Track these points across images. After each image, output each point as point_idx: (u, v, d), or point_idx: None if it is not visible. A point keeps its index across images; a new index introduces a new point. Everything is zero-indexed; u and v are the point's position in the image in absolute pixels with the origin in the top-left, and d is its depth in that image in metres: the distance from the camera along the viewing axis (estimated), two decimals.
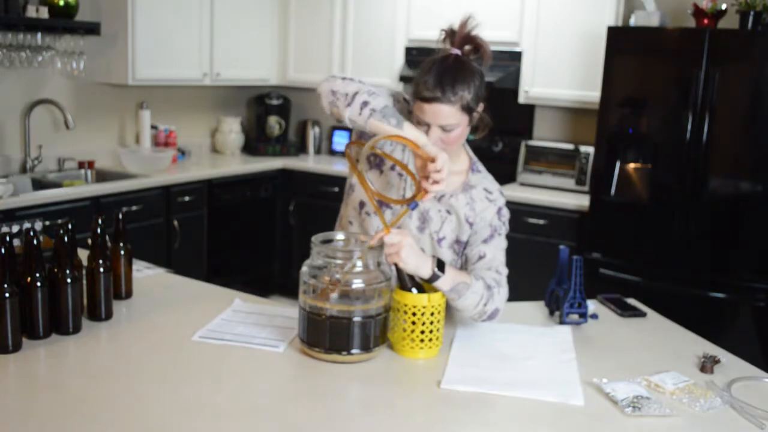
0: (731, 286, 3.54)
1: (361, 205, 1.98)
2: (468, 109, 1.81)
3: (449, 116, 1.78)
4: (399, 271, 1.72)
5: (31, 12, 3.73)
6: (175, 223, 4.15)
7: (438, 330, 1.72)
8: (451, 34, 1.87)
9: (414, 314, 1.68)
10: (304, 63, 5.07)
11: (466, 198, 1.92)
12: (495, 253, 1.89)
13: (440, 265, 1.73)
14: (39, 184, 3.89)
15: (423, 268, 1.71)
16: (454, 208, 1.91)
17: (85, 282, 1.82)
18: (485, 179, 1.97)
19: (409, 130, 1.75)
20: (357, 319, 1.63)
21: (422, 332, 1.69)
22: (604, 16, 4.11)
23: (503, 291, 1.85)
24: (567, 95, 4.31)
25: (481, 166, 2.00)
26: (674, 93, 3.62)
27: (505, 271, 1.89)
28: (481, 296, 1.79)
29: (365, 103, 1.76)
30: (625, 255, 3.80)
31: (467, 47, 1.86)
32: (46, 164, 4.09)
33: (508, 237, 1.97)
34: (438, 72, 1.78)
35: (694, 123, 3.55)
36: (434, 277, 1.72)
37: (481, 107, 1.87)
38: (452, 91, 1.77)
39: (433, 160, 1.69)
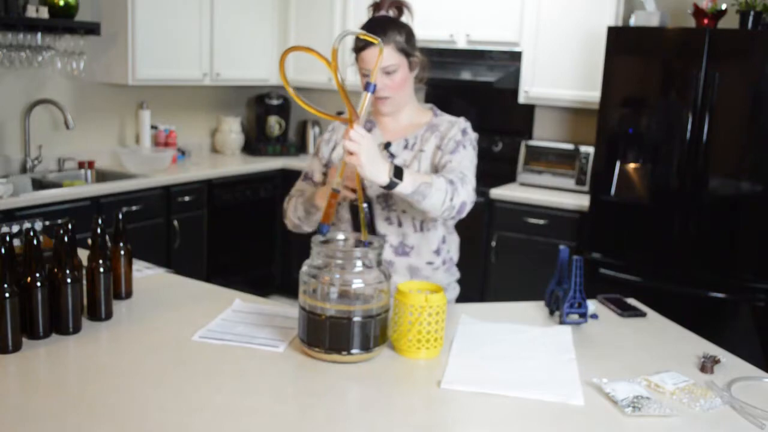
0: (731, 286, 3.53)
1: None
2: (404, 52, 1.99)
3: (387, 57, 1.95)
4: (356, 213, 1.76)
5: (31, 12, 3.73)
6: (175, 223, 4.15)
7: (439, 330, 1.71)
8: (376, 6, 2.07)
9: (413, 314, 1.68)
10: (304, 63, 5.07)
11: (433, 134, 2.06)
12: (461, 161, 1.99)
13: (398, 172, 1.75)
14: (39, 184, 3.89)
15: (380, 175, 1.72)
16: (426, 145, 2.05)
17: (85, 282, 1.82)
18: (449, 116, 2.13)
19: None
20: (357, 319, 1.63)
21: (425, 332, 1.69)
22: (604, 16, 4.12)
23: (469, 187, 1.91)
24: (567, 95, 4.31)
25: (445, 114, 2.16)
26: (674, 93, 3.62)
27: (471, 175, 1.97)
28: (445, 191, 1.83)
29: None
30: (625, 255, 3.80)
31: (393, 11, 2.07)
32: (46, 164, 4.09)
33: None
34: (369, 23, 2.02)
35: (694, 123, 3.55)
36: (392, 184, 1.74)
37: (418, 56, 2.04)
38: (384, 33, 1.95)
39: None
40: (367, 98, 1.75)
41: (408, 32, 2.03)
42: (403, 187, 1.76)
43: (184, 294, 2.11)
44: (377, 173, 1.72)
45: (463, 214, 1.94)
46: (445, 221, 2.10)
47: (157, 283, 2.18)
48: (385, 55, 1.93)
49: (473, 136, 2.09)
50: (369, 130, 2.06)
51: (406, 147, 2.06)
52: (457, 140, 2.04)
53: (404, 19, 2.07)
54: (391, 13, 2.05)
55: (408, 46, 2.01)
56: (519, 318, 2.03)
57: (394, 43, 1.97)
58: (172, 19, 4.34)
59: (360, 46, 1.98)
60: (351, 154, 1.67)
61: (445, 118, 2.11)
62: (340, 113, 2.18)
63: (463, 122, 2.10)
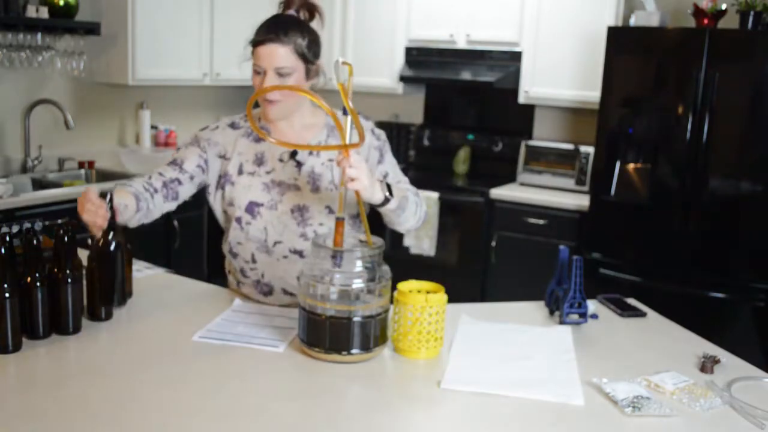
0: (731, 286, 3.54)
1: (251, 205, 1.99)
2: (303, 57, 1.89)
3: (283, 58, 1.85)
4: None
5: (31, 12, 3.73)
6: (175, 223, 4.15)
7: (439, 330, 1.72)
8: (286, 4, 1.96)
9: (415, 314, 1.68)
10: None
11: (336, 138, 1.98)
12: (394, 169, 2.04)
13: (388, 189, 1.82)
14: (39, 184, 3.89)
15: (377, 193, 1.78)
16: (333, 153, 1.97)
17: (85, 282, 1.81)
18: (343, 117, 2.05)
19: None
20: (357, 319, 1.63)
21: (425, 332, 1.69)
22: (604, 16, 4.12)
23: (420, 196, 2.02)
24: (567, 95, 4.31)
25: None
26: (674, 93, 3.62)
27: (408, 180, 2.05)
28: (416, 203, 1.95)
29: None
30: (625, 255, 3.80)
31: (304, 12, 1.97)
32: (46, 164, 4.09)
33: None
34: (272, 20, 1.90)
35: (694, 123, 3.55)
36: (386, 200, 1.80)
37: (318, 65, 1.95)
38: (284, 33, 1.86)
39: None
40: (348, 122, 1.70)
41: (312, 39, 1.92)
42: (391, 203, 1.83)
43: (184, 294, 2.11)
44: (374, 193, 1.77)
45: (421, 223, 2.02)
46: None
47: (157, 283, 2.18)
48: (281, 55, 1.85)
49: (382, 134, 2.05)
50: (262, 139, 1.98)
51: (311, 154, 1.98)
52: (377, 146, 2.01)
53: (315, 24, 1.97)
54: (302, 15, 1.96)
55: (308, 52, 1.90)
56: (519, 318, 2.03)
57: (294, 45, 1.86)
58: (172, 19, 4.34)
59: (257, 41, 1.88)
60: (353, 180, 1.68)
61: (343, 119, 2.02)
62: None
63: (367, 123, 2.02)
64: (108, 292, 1.59)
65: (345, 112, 1.69)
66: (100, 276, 1.59)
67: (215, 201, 2.06)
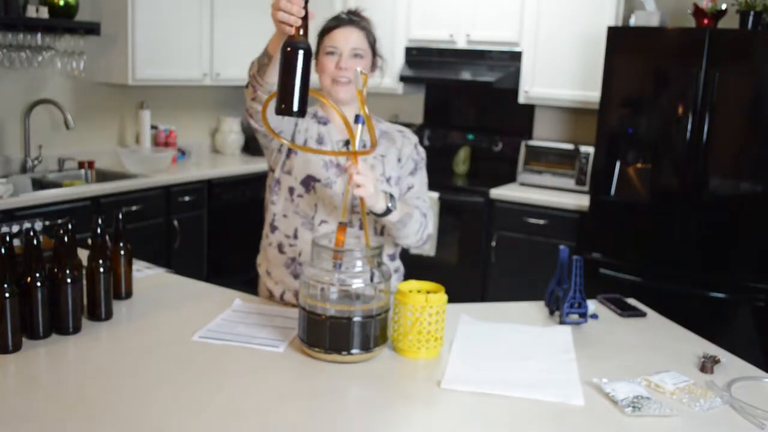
0: (731, 286, 3.53)
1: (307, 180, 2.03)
2: (372, 47, 2.04)
3: (359, 40, 2.00)
4: None
5: (31, 12, 3.73)
6: (175, 223, 4.15)
7: (439, 330, 1.72)
8: (353, 13, 2.09)
9: (415, 314, 1.69)
10: None
11: (386, 141, 2.09)
12: (421, 186, 2.12)
13: (392, 201, 1.88)
14: (39, 184, 3.89)
15: (379, 202, 1.84)
16: (385, 151, 2.07)
17: (85, 282, 1.82)
18: (393, 125, 2.16)
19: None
20: (357, 319, 1.63)
21: (425, 332, 1.69)
22: (604, 16, 4.12)
23: (432, 222, 2.08)
24: (567, 95, 4.31)
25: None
26: (674, 93, 3.62)
27: (429, 202, 2.12)
28: (420, 223, 2.00)
29: None
30: (625, 255, 3.80)
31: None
32: (46, 164, 4.09)
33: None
34: (342, 14, 2.05)
35: (694, 123, 3.55)
36: (387, 212, 1.87)
37: (379, 61, 2.08)
38: (359, 20, 2.02)
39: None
40: (359, 130, 1.73)
41: (376, 37, 2.07)
42: (393, 215, 1.88)
43: (184, 294, 2.11)
44: (378, 201, 1.83)
45: (426, 245, 2.07)
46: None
47: (157, 283, 2.18)
48: (357, 37, 1.99)
49: (423, 152, 2.15)
50: (324, 123, 2.07)
51: (364, 147, 2.02)
52: (415, 159, 2.11)
53: None
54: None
55: (375, 44, 2.06)
56: (519, 318, 2.03)
57: (367, 32, 2.02)
58: (172, 19, 4.33)
59: (333, 25, 2.01)
60: (358, 186, 1.73)
61: (392, 127, 2.14)
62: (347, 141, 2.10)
63: (414, 137, 2.15)
64: (291, 93, 1.53)
65: (357, 120, 1.74)
66: (283, 77, 1.54)
67: (278, 165, 2.08)
